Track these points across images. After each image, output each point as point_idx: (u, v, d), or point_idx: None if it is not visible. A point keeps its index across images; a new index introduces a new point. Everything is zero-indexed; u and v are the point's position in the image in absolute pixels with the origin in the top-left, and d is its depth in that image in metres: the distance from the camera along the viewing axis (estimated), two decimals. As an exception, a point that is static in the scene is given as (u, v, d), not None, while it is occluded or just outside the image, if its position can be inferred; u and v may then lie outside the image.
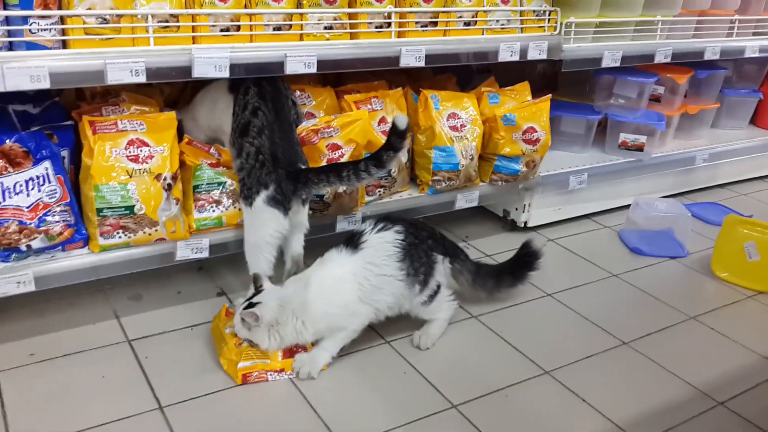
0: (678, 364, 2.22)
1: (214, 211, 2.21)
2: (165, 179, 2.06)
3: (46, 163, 1.96)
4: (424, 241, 2.16)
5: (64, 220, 1.98)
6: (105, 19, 1.89)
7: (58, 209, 1.97)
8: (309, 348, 2.05)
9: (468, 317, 2.41)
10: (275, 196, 2.06)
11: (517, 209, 3.03)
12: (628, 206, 3.32)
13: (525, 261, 2.39)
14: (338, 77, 2.73)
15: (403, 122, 1.97)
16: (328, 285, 2.01)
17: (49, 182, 1.96)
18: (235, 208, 2.24)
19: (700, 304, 2.61)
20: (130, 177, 2.02)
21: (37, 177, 1.94)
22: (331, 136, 2.28)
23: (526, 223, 3.05)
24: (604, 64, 2.85)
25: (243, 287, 2.45)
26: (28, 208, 1.91)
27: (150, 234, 2.07)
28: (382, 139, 2.44)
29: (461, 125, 2.61)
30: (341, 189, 2.31)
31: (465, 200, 2.72)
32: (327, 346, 2.03)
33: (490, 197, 2.82)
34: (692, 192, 3.70)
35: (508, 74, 2.97)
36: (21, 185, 1.91)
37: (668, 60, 3.06)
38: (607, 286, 2.72)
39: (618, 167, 3.18)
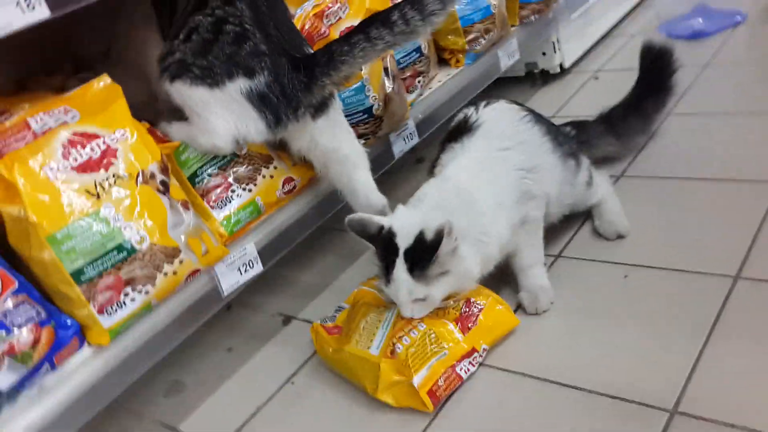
0: None
1: (239, 196, 1.36)
2: (153, 177, 1.20)
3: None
4: (542, 117, 1.51)
5: (27, 320, 1.09)
6: None
7: (9, 305, 1.07)
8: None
9: (613, 176, 1.72)
10: (266, 94, 1.26)
11: (545, 54, 2.35)
12: (633, 9, 2.77)
13: (660, 66, 1.73)
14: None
15: None
16: (480, 169, 1.33)
17: (-33, 270, 1.06)
18: (264, 177, 1.39)
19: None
20: (98, 197, 1.14)
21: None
22: (340, 18, 1.48)
23: (561, 65, 2.38)
24: None
25: (309, 297, 1.63)
26: (-47, 329, 1.02)
27: (176, 272, 1.20)
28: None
29: (466, -42, 1.87)
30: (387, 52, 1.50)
31: (507, 56, 2.01)
32: (531, 262, 1.37)
33: (528, 42, 2.12)
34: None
35: None
36: None
37: None
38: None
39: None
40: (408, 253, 1.20)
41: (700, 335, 1.17)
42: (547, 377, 1.20)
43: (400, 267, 1.21)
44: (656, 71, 1.72)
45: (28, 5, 1.01)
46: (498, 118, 1.41)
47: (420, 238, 1.20)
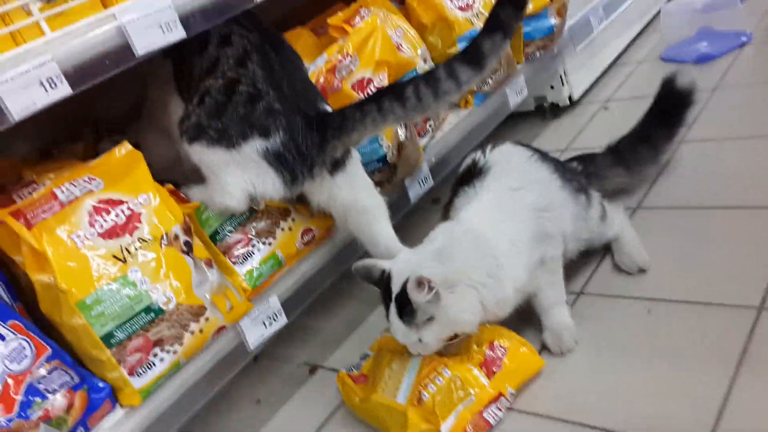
0: None
1: (260, 250, 1.39)
2: (177, 238, 1.23)
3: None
4: (548, 155, 1.53)
5: (61, 385, 1.11)
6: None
7: (43, 371, 1.10)
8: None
9: (629, 209, 1.73)
10: (282, 153, 1.28)
11: (553, 87, 2.37)
12: (637, 37, 2.78)
13: (676, 101, 1.72)
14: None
15: None
16: (493, 211, 1.34)
17: (2, 340, 1.09)
18: (283, 230, 1.42)
19: None
20: (124, 262, 1.17)
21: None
22: (351, 71, 1.52)
23: (570, 97, 2.40)
24: None
25: (334, 345, 1.64)
26: (-9, 399, 1.04)
27: (202, 329, 1.23)
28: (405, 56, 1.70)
29: (468, 3, 1.91)
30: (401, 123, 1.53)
31: (515, 94, 2.03)
32: (552, 302, 1.37)
33: (535, 79, 2.14)
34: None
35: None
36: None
37: None
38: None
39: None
40: (397, 299, 1.23)
41: (728, 369, 1.16)
42: (576, 419, 1.19)
43: (393, 312, 1.24)
44: (671, 105, 1.71)
45: (50, 84, 1.05)
46: (506, 160, 1.43)
47: (405, 285, 1.21)
